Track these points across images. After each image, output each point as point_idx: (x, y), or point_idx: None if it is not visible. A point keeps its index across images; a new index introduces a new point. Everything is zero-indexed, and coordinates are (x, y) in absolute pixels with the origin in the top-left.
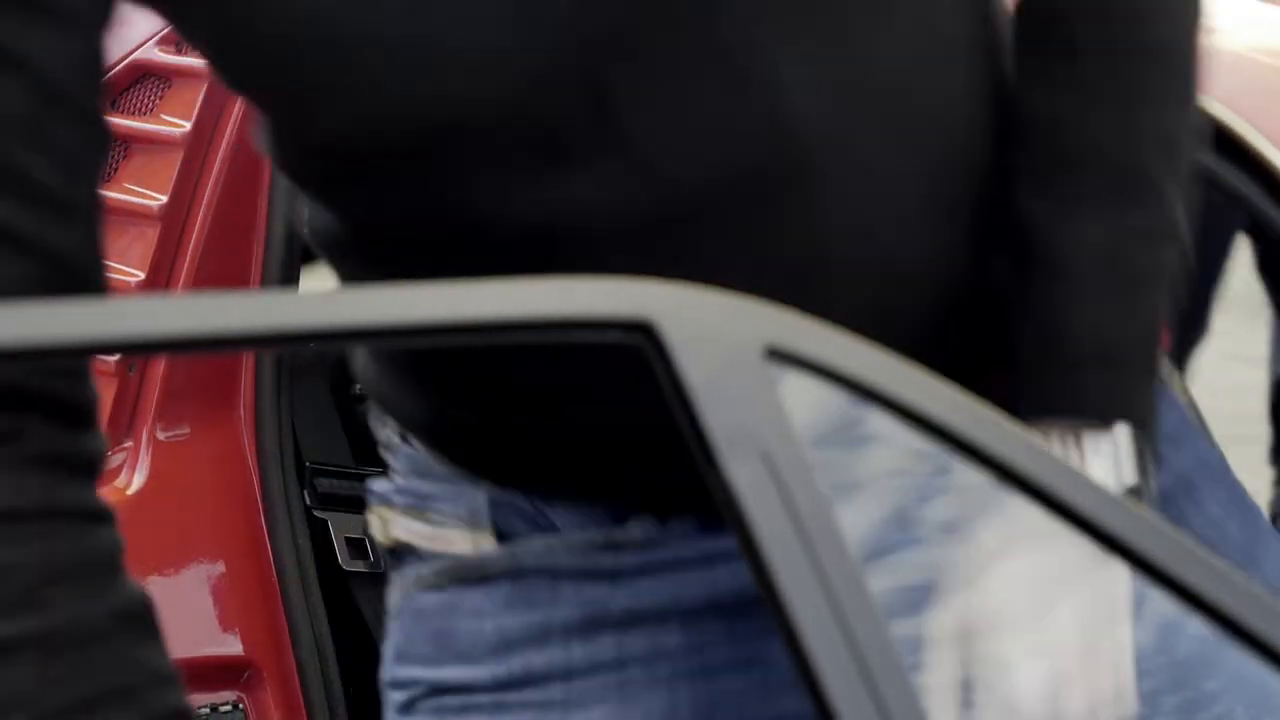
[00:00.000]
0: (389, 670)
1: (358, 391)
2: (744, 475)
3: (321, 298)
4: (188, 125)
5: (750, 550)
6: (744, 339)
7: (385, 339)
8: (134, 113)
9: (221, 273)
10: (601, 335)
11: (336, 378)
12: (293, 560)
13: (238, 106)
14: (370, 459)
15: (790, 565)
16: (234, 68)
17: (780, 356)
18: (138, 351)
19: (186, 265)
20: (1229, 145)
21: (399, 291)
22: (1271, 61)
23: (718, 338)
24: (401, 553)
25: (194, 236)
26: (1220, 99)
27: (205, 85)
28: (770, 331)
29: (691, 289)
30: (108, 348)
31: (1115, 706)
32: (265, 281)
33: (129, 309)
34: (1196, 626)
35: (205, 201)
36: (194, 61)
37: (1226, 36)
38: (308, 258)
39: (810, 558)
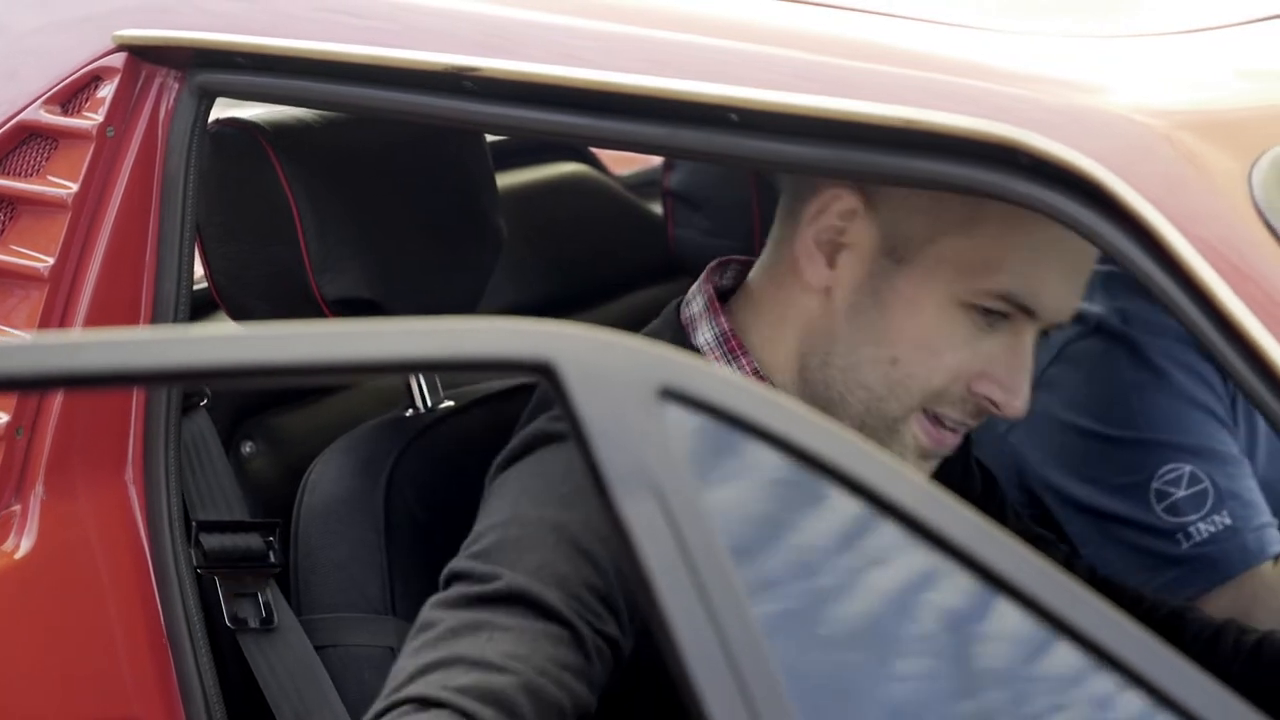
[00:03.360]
0: None
1: (248, 451)
2: (636, 511)
3: (238, 337)
4: (75, 186)
5: (641, 582)
6: (639, 379)
7: (300, 376)
8: (20, 174)
9: None
10: (506, 374)
11: (226, 433)
12: (181, 620)
13: (127, 165)
14: (258, 513)
15: (678, 596)
16: None
17: (673, 396)
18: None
19: (76, 327)
20: (1106, 203)
21: (313, 329)
22: (1148, 121)
23: (614, 378)
24: None
25: (82, 298)
26: (1097, 157)
27: (92, 146)
28: (664, 373)
29: (592, 331)
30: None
31: None
32: None
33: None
34: None
35: (93, 262)
36: (81, 122)
37: (1105, 96)
38: (196, 316)
39: (698, 589)
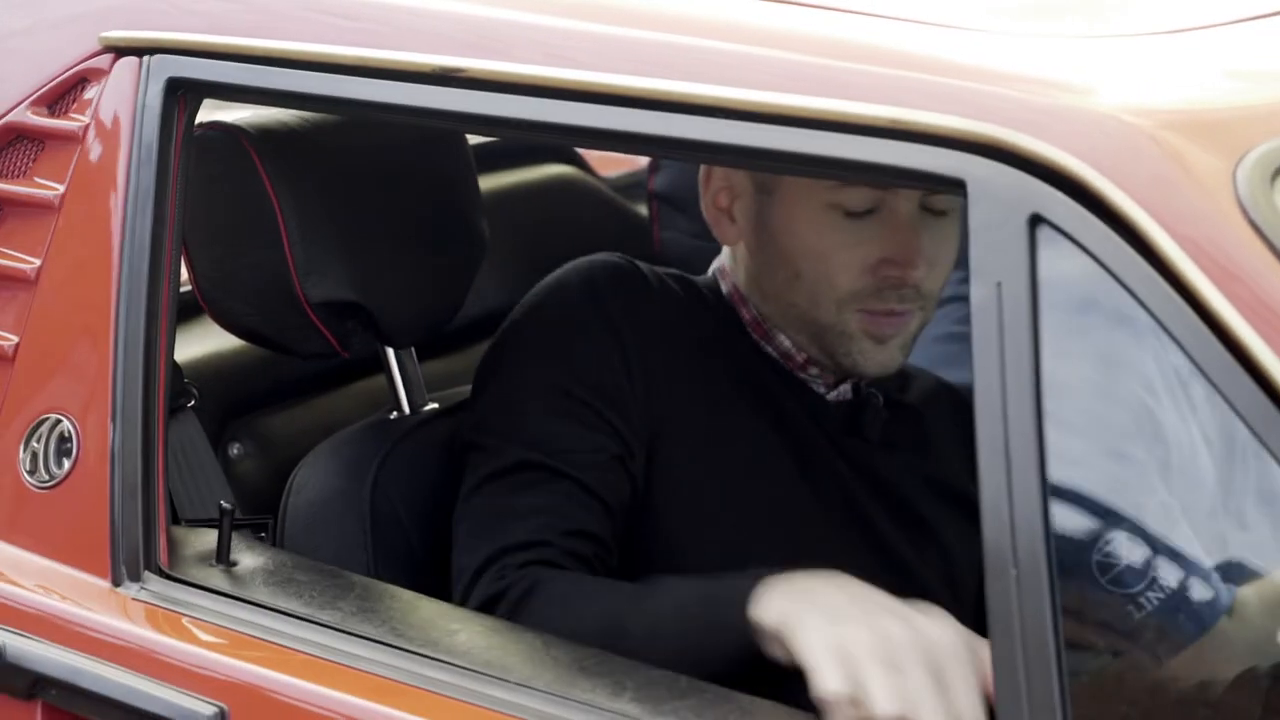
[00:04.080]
0: None
1: (235, 453)
2: (979, 292)
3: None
4: (62, 187)
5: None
6: (1018, 201)
7: (765, 162)
8: (7, 175)
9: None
10: (932, 184)
11: (214, 435)
12: None
13: (116, 168)
14: (245, 513)
15: (987, 364)
16: None
17: (1040, 221)
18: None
19: (62, 328)
20: (1093, 202)
21: (780, 131)
22: (1134, 120)
23: (1001, 197)
24: None
25: (69, 299)
26: (1083, 156)
27: (79, 148)
28: (1037, 201)
29: (993, 162)
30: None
31: None
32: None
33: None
34: None
35: (80, 264)
36: (67, 124)
37: (1091, 96)
38: (182, 318)
39: (1002, 365)
